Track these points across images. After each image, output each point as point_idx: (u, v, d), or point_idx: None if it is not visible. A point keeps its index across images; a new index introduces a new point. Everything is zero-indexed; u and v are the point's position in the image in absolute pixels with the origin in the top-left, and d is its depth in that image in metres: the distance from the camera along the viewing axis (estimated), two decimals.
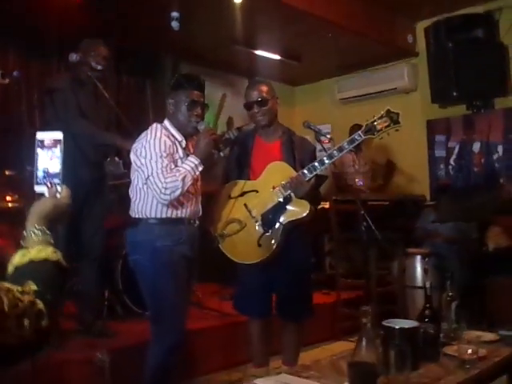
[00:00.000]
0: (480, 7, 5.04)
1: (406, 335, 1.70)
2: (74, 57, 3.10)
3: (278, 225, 2.65)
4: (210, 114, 4.53)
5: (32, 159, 1.26)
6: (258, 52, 5.45)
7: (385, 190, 5.71)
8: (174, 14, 4.20)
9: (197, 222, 2.57)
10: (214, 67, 5.59)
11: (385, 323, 1.77)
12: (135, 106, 5.26)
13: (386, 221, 4.07)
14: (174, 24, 4.20)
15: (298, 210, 2.65)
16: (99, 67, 3.15)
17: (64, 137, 1.24)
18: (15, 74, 3.38)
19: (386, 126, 2.60)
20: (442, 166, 5.58)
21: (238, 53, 5.41)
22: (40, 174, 1.23)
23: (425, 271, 3.99)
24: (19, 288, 0.98)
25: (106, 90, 3.22)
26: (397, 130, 2.61)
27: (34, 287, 1.01)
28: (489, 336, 2.08)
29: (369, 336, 1.47)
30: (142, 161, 2.36)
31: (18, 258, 1.09)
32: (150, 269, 2.40)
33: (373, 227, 2.89)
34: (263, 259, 2.65)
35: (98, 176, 3.29)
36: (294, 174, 2.64)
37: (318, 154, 2.88)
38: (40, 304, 0.99)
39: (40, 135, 1.24)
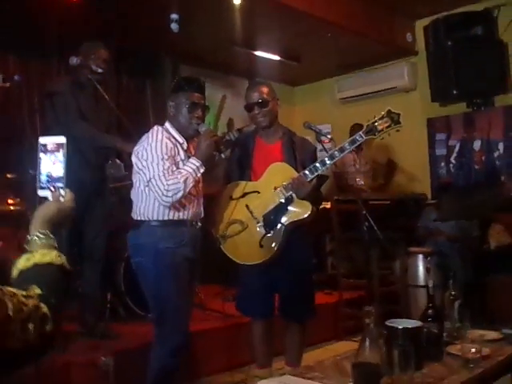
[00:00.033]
0: (478, 5, 5.04)
1: (410, 335, 1.70)
2: (74, 60, 3.11)
3: (279, 225, 2.65)
4: (211, 115, 4.53)
5: (34, 163, 1.26)
6: (258, 53, 5.45)
7: (386, 189, 5.71)
8: (174, 16, 4.20)
9: (199, 224, 2.57)
10: (213, 68, 5.60)
11: (388, 323, 1.77)
12: (135, 107, 5.25)
13: (387, 220, 4.08)
14: (174, 26, 4.20)
15: (299, 211, 2.65)
16: (99, 70, 3.15)
17: (66, 140, 1.24)
18: (16, 77, 3.40)
19: (387, 127, 2.59)
20: (442, 165, 5.57)
21: (238, 54, 5.40)
22: (43, 178, 1.23)
23: (427, 270, 3.97)
24: (24, 292, 0.98)
25: (106, 92, 3.22)
26: (398, 131, 2.61)
27: (38, 291, 1.01)
28: (492, 335, 2.08)
29: (372, 336, 1.47)
30: (144, 163, 2.36)
31: (22, 262, 1.09)
32: (152, 271, 2.40)
33: (374, 227, 2.90)
34: (265, 260, 2.65)
35: (100, 178, 3.29)
36: (295, 174, 2.63)
37: (318, 154, 2.88)
38: (44, 308, 0.99)
39: (43, 140, 1.24)
